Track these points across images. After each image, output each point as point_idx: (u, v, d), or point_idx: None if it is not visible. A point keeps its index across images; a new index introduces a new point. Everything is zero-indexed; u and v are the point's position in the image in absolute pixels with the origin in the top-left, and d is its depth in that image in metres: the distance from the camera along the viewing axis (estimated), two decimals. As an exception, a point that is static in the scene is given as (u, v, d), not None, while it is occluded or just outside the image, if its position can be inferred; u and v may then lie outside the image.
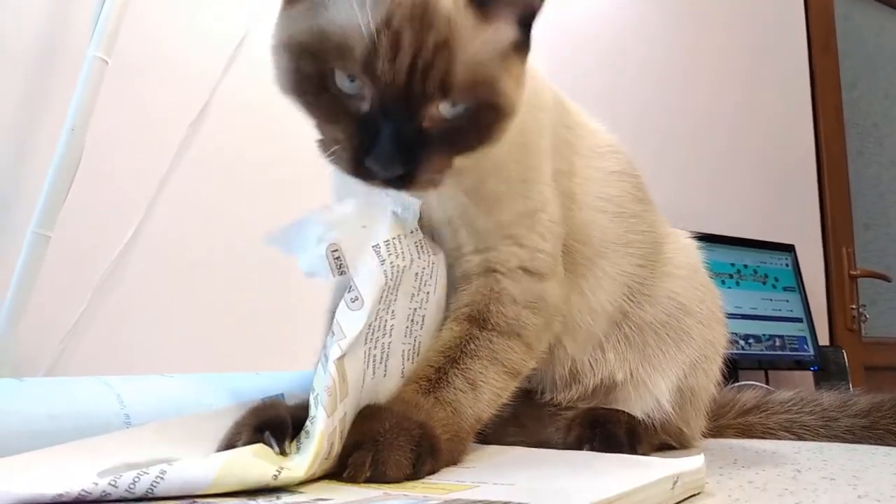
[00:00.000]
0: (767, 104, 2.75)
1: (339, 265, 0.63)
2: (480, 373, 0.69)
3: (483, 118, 0.63)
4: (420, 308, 0.69)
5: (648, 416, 0.87)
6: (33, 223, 1.14)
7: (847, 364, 2.42)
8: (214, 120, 1.52)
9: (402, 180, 0.61)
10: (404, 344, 0.68)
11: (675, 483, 0.56)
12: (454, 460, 0.65)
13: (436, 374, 0.68)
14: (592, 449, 0.77)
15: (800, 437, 1.06)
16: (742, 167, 2.64)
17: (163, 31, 1.49)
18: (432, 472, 0.60)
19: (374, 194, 0.66)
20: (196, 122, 1.50)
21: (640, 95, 2.40)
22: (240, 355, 1.48)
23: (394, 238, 0.65)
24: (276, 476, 0.53)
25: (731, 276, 2.33)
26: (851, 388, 2.29)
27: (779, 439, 1.06)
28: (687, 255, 0.95)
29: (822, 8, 2.97)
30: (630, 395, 0.87)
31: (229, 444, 0.59)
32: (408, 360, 0.69)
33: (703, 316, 0.91)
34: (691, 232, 1.00)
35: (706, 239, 2.44)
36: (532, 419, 0.88)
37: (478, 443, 0.75)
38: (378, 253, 0.64)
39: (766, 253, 2.43)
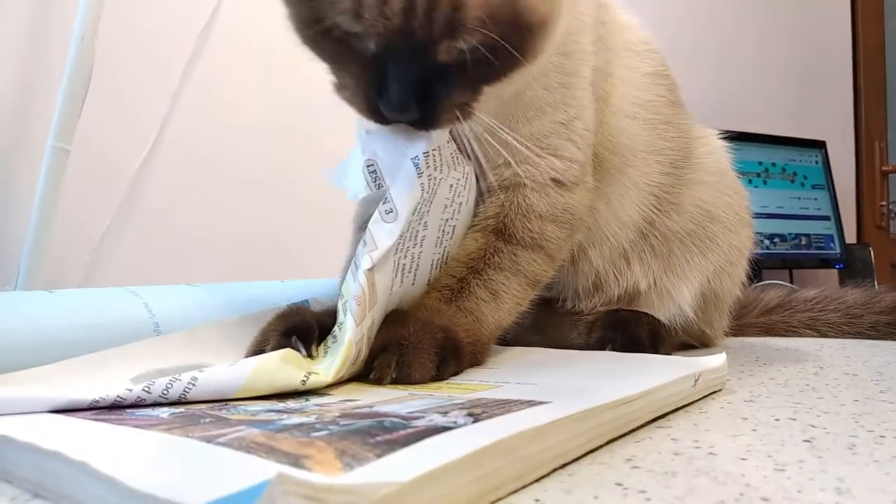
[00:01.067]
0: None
1: (374, 178, 0.62)
2: (503, 283, 0.70)
3: (512, 42, 0.55)
4: (451, 219, 0.69)
5: (670, 321, 0.88)
6: (51, 137, 1.14)
7: (873, 262, 2.40)
8: (225, 23, 1.48)
9: (422, 122, 0.58)
10: (434, 254, 0.69)
11: (696, 381, 0.56)
12: (477, 362, 0.66)
13: (458, 284, 0.69)
14: (614, 349, 0.78)
15: (823, 335, 1.07)
16: (774, 62, 2.54)
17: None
18: (456, 373, 0.61)
19: None
20: (206, 28, 1.46)
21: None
22: (266, 265, 1.50)
23: (433, 150, 0.63)
24: (304, 381, 0.54)
25: (758, 175, 2.28)
26: (877, 286, 2.29)
27: (802, 337, 1.07)
28: (716, 160, 0.92)
29: None
30: (653, 302, 0.88)
31: (257, 349, 0.60)
32: (436, 268, 0.70)
33: (729, 221, 0.90)
34: (719, 130, 0.97)
35: (734, 137, 2.39)
36: (553, 326, 0.89)
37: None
38: (417, 165, 0.62)
39: (796, 150, 2.37)
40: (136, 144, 1.40)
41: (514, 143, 0.67)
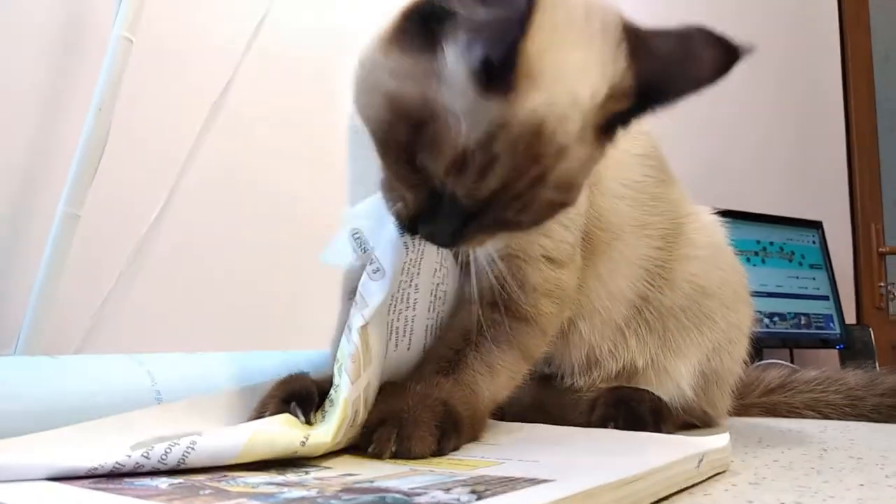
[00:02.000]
0: (797, 79, 2.70)
1: (360, 244, 0.65)
2: (498, 357, 0.70)
3: (548, 214, 0.60)
4: (442, 283, 0.70)
5: (671, 400, 0.87)
6: (62, 202, 1.15)
7: (874, 343, 2.39)
8: (237, 98, 1.53)
9: (446, 243, 0.61)
10: (428, 319, 0.70)
11: (700, 461, 0.56)
12: (475, 437, 0.66)
13: (455, 356, 0.69)
14: (616, 427, 0.77)
15: (825, 416, 1.06)
16: (769, 144, 2.60)
17: (185, 9, 1.49)
18: (456, 448, 0.61)
19: None
20: (219, 101, 1.51)
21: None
22: (267, 335, 1.50)
23: None
24: (303, 443, 0.54)
25: (756, 254, 2.30)
26: (878, 368, 2.27)
27: (804, 418, 1.06)
28: (709, 234, 0.93)
29: (855, -20, 2.89)
30: (652, 380, 0.87)
31: (257, 415, 0.61)
32: (430, 334, 0.70)
33: (726, 298, 0.90)
34: (715, 208, 0.98)
35: (732, 215, 2.41)
36: (554, 404, 0.89)
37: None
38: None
39: (794, 230, 2.39)
40: (143, 210, 1.42)
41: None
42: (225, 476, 0.50)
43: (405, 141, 0.55)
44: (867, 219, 2.80)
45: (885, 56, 3.06)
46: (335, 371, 0.62)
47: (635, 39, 0.58)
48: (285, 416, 0.58)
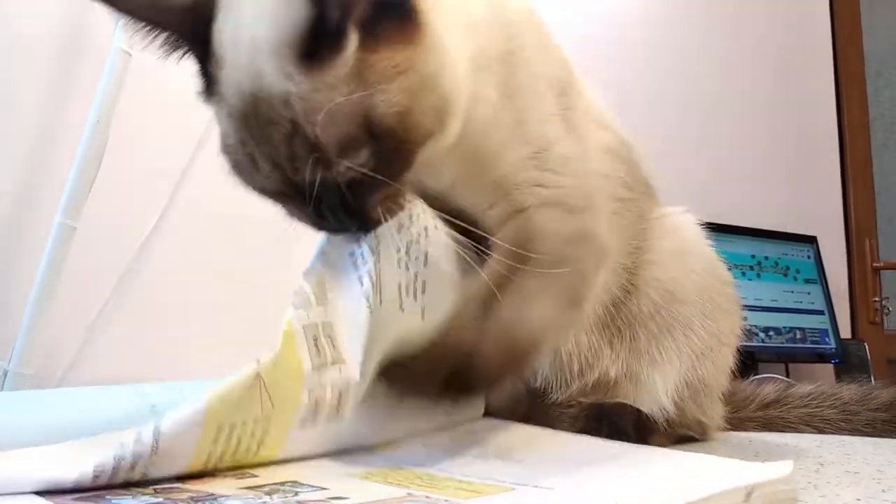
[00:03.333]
0: (791, 95, 2.72)
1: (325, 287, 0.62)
2: (534, 295, 0.65)
3: (389, 149, 0.54)
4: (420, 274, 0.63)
5: (652, 413, 0.84)
6: (59, 213, 1.16)
7: (869, 357, 2.40)
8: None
9: (361, 229, 0.59)
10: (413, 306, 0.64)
11: (748, 495, 0.45)
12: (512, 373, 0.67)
13: (490, 297, 0.63)
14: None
15: (820, 431, 1.06)
16: (764, 158, 2.62)
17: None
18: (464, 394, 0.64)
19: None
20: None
21: (658, 87, 2.38)
22: (262, 346, 1.49)
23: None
24: (258, 361, 0.54)
25: (751, 268, 2.31)
26: (874, 382, 2.27)
27: (799, 433, 1.06)
28: (681, 238, 0.88)
29: (847, -4, 2.92)
30: (628, 392, 0.85)
31: None
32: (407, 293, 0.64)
33: (703, 305, 0.85)
34: (703, 221, 0.92)
35: (727, 230, 2.41)
36: (541, 420, 0.88)
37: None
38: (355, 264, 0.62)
39: (788, 244, 2.40)
40: (139, 222, 1.42)
41: (488, 184, 0.67)
42: (211, 496, 0.48)
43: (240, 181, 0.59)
44: (861, 234, 2.81)
45: (878, 72, 3.09)
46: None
47: None
48: None
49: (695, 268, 0.86)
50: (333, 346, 0.59)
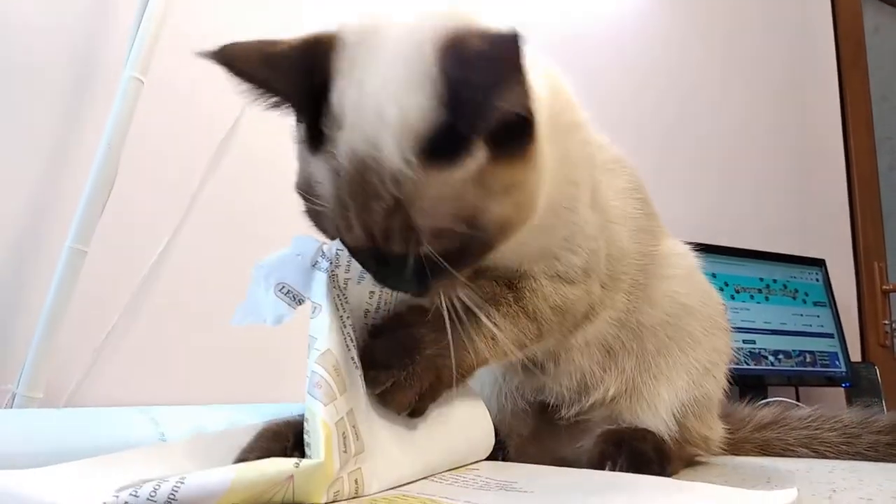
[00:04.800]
0: (797, 119, 2.73)
1: (293, 297, 0.65)
2: (496, 331, 0.70)
3: (475, 244, 0.60)
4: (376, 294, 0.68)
5: (660, 431, 0.84)
6: (70, 238, 1.16)
7: (880, 380, 2.37)
8: (245, 138, 1.54)
9: (419, 293, 0.63)
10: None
11: None
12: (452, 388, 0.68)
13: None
14: (615, 466, 0.76)
15: (821, 455, 1.04)
16: (772, 182, 2.62)
17: (195, 48, 1.51)
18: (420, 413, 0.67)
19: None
20: (226, 141, 1.52)
21: (666, 110, 2.39)
22: (274, 375, 1.49)
23: (327, 248, 0.66)
24: (297, 465, 0.53)
25: (759, 291, 2.30)
26: (885, 405, 2.25)
27: (799, 457, 1.04)
28: (685, 259, 0.93)
29: (851, 21, 2.94)
30: (633, 408, 0.85)
31: (240, 460, 0.60)
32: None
33: (706, 321, 0.89)
34: (694, 246, 0.97)
35: (735, 253, 2.41)
36: (550, 436, 0.89)
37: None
38: (319, 268, 0.65)
39: (796, 267, 2.40)
40: (149, 247, 1.43)
41: (526, 253, 0.72)
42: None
43: (318, 216, 0.62)
44: (870, 257, 2.80)
45: (883, 96, 3.10)
46: (306, 408, 0.60)
47: (448, 51, 0.54)
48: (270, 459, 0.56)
49: (700, 288, 0.91)
50: (357, 435, 0.60)
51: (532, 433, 0.89)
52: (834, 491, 0.73)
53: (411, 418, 0.67)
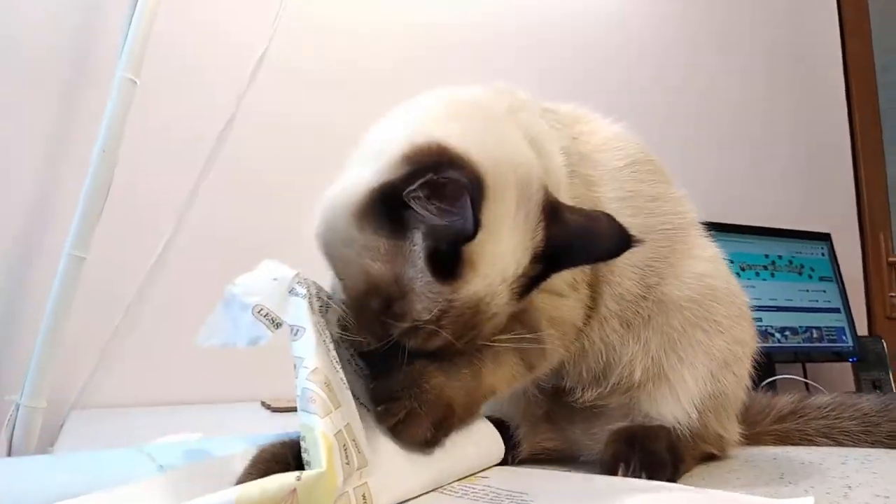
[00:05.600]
0: (799, 90, 2.70)
1: (271, 319, 0.64)
2: (503, 356, 0.72)
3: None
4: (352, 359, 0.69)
5: (677, 425, 0.83)
6: (68, 245, 1.15)
7: (887, 353, 2.37)
8: (240, 135, 1.53)
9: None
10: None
11: None
12: (466, 422, 0.72)
13: (465, 356, 0.71)
14: (629, 468, 0.75)
15: (840, 444, 1.03)
16: (774, 156, 2.59)
17: (188, 50, 1.49)
18: (447, 436, 0.68)
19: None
20: (222, 135, 1.51)
21: (668, 84, 2.36)
22: (270, 380, 1.49)
23: (304, 276, 0.67)
24: (298, 478, 0.52)
25: (765, 268, 2.28)
26: (892, 378, 2.24)
27: (818, 446, 1.03)
28: (710, 244, 0.91)
29: (854, -13, 2.89)
30: (652, 393, 0.84)
31: (240, 482, 0.59)
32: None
33: (731, 310, 0.87)
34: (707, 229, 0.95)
35: (739, 230, 2.39)
36: (564, 419, 0.88)
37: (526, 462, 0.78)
38: (296, 293, 0.65)
39: (801, 242, 2.38)
40: (148, 250, 1.42)
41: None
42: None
43: (376, 308, 0.64)
44: (875, 228, 2.78)
45: (885, 66, 3.05)
46: (301, 424, 0.59)
47: (552, 214, 0.69)
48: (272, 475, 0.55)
49: (726, 276, 0.89)
50: (358, 448, 0.59)
51: (544, 414, 0.88)
52: (849, 487, 0.72)
53: (426, 450, 0.66)
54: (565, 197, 0.76)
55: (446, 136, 0.64)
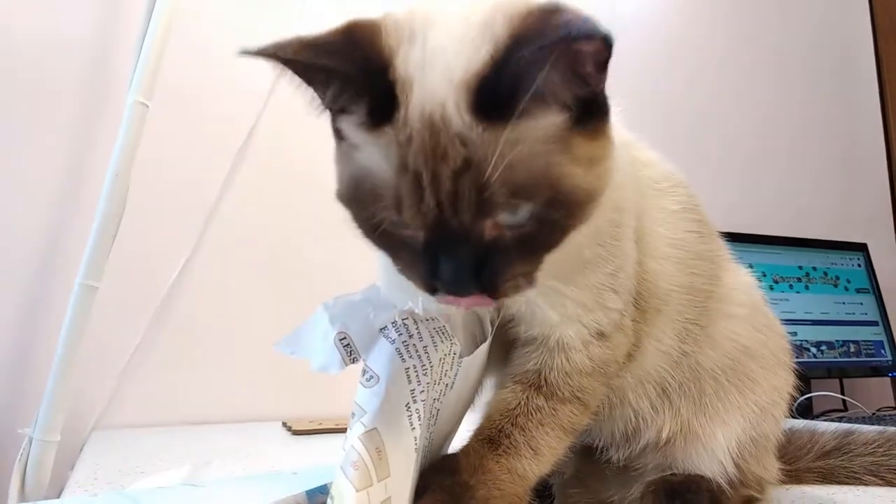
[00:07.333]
0: (831, 95, 2.61)
1: (349, 352, 0.61)
2: (543, 438, 0.69)
3: (555, 215, 0.55)
4: (437, 400, 0.65)
5: (715, 475, 0.79)
6: (80, 274, 1.13)
7: (928, 367, 2.28)
8: (252, 163, 1.50)
9: (487, 293, 0.56)
10: (425, 438, 0.64)
11: None
12: None
13: (500, 436, 0.68)
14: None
15: (889, 483, 0.97)
16: (807, 164, 2.51)
17: (200, 72, 1.47)
18: None
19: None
20: (236, 161, 1.48)
21: (697, 93, 2.30)
22: (292, 400, 1.46)
23: (403, 319, 0.62)
24: None
25: (799, 280, 2.21)
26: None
27: (865, 485, 0.97)
28: (748, 293, 0.87)
29: (887, -11, 2.80)
30: (684, 450, 0.80)
31: None
32: (420, 454, 0.64)
33: (766, 361, 0.84)
34: (729, 236, 0.90)
35: (772, 241, 2.31)
36: (594, 478, 0.84)
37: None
38: (387, 335, 0.61)
39: (837, 253, 2.30)
40: (161, 277, 1.39)
41: (570, 298, 0.67)
42: None
43: (363, 215, 0.57)
44: (914, 237, 2.68)
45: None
46: (334, 483, 0.56)
47: (526, 16, 0.53)
48: None
49: (761, 326, 0.85)
50: None
51: (575, 474, 0.84)
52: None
53: None
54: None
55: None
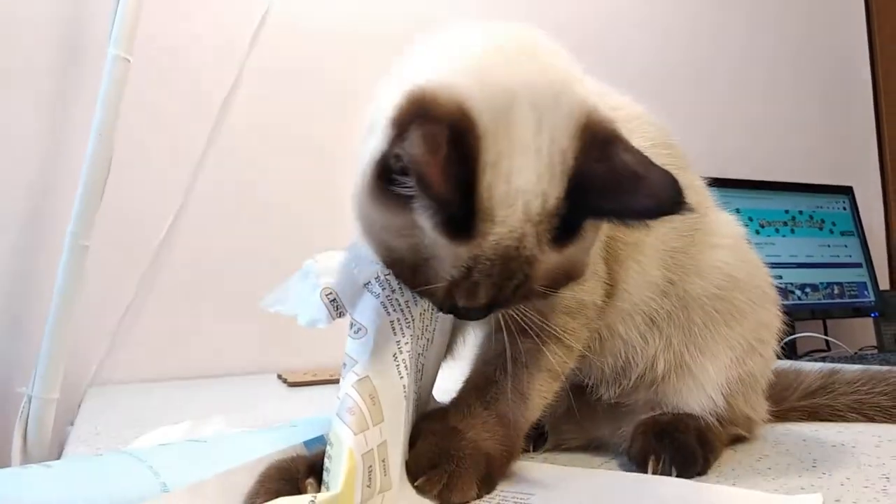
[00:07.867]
0: (819, 39, 2.60)
1: (336, 307, 0.63)
2: (530, 382, 0.71)
3: (563, 286, 0.64)
4: (421, 355, 0.67)
5: (702, 412, 0.81)
6: (70, 233, 1.12)
7: (910, 308, 2.32)
8: (238, 111, 1.48)
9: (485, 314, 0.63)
10: (414, 392, 0.66)
11: None
12: (510, 466, 0.70)
13: (489, 386, 0.71)
14: (659, 463, 0.73)
15: (871, 419, 1.00)
16: (793, 108, 2.51)
17: (181, 23, 1.44)
18: (493, 489, 0.66)
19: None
20: (220, 114, 1.46)
21: (684, 39, 2.28)
22: (281, 353, 1.47)
23: (385, 274, 0.64)
24: (312, 501, 0.51)
25: (785, 224, 2.23)
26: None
27: (848, 422, 1.01)
28: (731, 227, 0.89)
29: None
30: (676, 386, 0.82)
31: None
32: (411, 405, 0.66)
33: (754, 294, 0.85)
34: (715, 181, 0.91)
35: (758, 186, 2.33)
36: (586, 416, 0.85)
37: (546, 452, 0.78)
38: (371, 290, 0.63)
39: (823, 197, 2.32)
40: (152, 231, 1.39)
41: None
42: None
43: (409, 277, 0.61)
44: (899, 179, 2.70)
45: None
46: (332, 430, 0.57)
47: (594, 143, 0.59)
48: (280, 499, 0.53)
49: (747, 259, 0.87)
50: (385, 471, 0.58)
51: (567, 411, 0.85)
52: (887, 478, 0.69)
53: None
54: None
55: (434, 78, 0.56)
